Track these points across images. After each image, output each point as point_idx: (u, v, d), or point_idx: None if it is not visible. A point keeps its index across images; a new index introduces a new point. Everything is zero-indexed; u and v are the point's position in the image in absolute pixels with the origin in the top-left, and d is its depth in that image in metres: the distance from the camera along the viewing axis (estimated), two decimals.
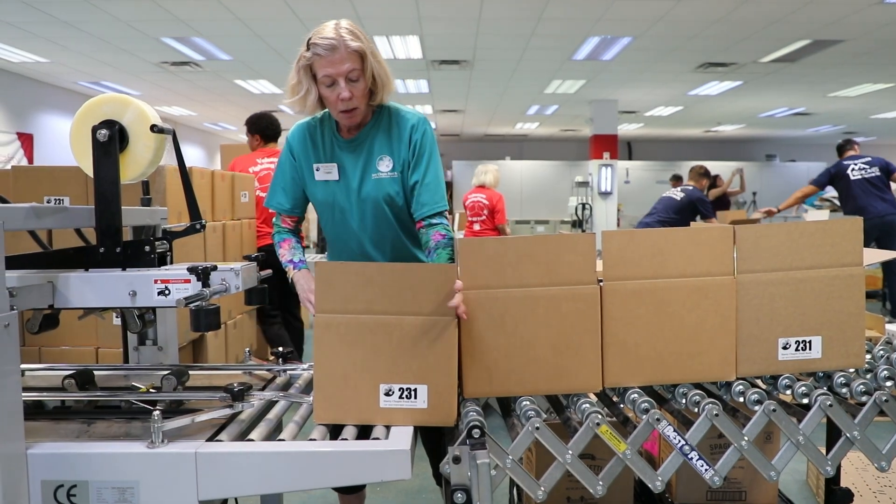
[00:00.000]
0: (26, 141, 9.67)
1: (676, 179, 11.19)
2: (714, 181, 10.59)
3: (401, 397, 1.45)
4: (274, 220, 2.04)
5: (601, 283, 1.51)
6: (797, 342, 1.54)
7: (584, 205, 12.13)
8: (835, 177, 6.02)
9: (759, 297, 1.53)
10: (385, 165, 1.87)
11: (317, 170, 1.91)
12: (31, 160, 9.61)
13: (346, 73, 1.73)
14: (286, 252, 1.96)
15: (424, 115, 1.93)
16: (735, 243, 1.53)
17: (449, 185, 15.63)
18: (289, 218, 2.00)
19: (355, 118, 1.82)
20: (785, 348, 1.54)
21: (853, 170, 5.92)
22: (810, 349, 1.54)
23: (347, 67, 1.72)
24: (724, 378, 1.54)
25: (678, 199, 6.33)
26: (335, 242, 1.99)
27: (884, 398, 1.47)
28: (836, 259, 1.54)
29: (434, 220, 1.88)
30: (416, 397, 1.45)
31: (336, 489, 2.11)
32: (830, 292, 1.54)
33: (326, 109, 1.89)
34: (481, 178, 6.12)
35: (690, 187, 6.43)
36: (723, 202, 10.39)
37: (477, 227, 6.05)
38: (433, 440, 1.98)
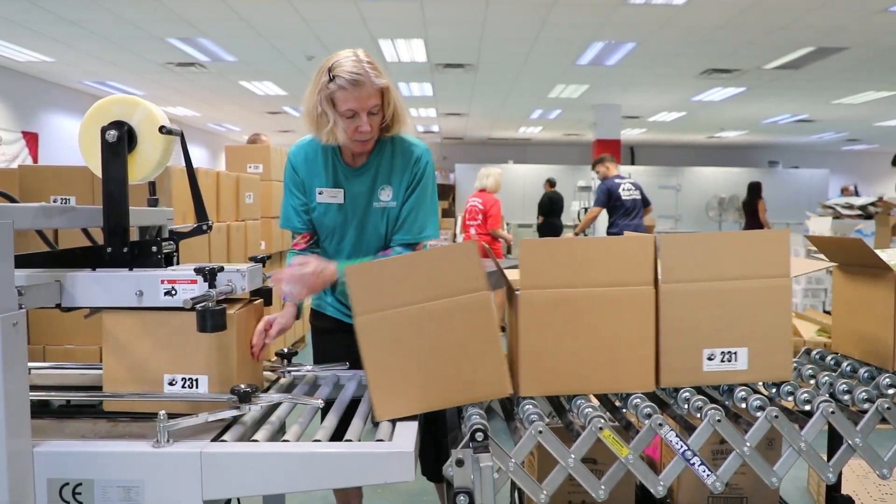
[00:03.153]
0: (31, 140, 9.70)
1: (551, 184, 11.28)
2: (761, 191, 10.55)
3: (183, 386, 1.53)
4: (293, 243, 2.05)
5: (517, 292, 1.50)
6: (722, 353, 1.51)
7: (586, 209, 12.14)
8: None
9: (682, 307, 1.50)
10: (386, 195, 1.91)
11: (319, 193, 1.93)
12: (35, 159, 9.64)
13: (369, 108, 1.75)
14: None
15: (427, 146, 1.97)
16: (659, 253, 1.51)
17: (451, 189, 15.63)
18: (302, 238, 2.02)
19: (368, 146, 1.87)
20: (710, 359, 1.51)
21: None
22: (736, 361, 1.52)
23: (372, 103, 1.75)
24: (642, 389, 1.52)
25: (639, 197, 6.43)
26: (332, 257, 2.00)
27: (886, 406, 1.48)
28: (762, 270, 1.51)
29: (398, 248, 1.91)
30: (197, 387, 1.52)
31: None
32: (757, 303, 1.51)
33: None
34: (482, 182, 6.19)
35: (631, 178, 6.54)
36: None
37: (472, 231, 6.12)
38: (428, 441, 1.98)
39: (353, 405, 1.65)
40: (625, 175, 6.53)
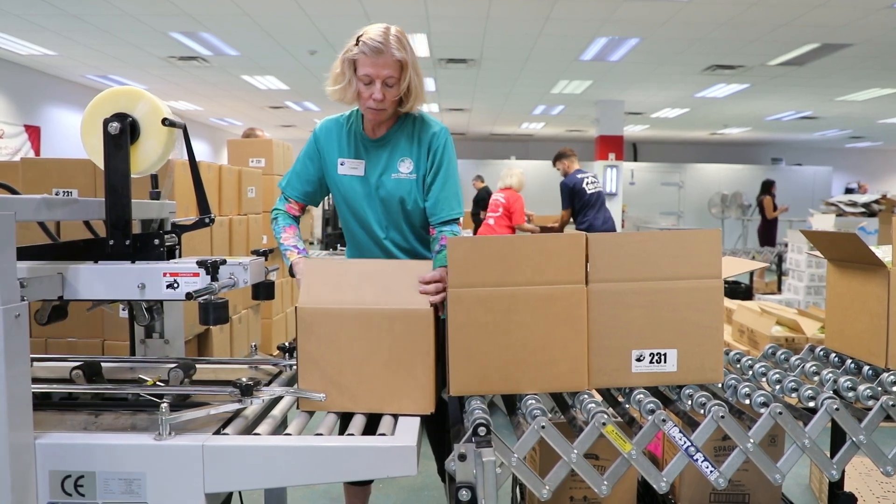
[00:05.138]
0: (33, 133, 9.70)
1: (481, 180, 11.23)
2: (770, 188, 10.60)
3: None
4: (277, 205, 2.08)
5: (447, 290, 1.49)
6: (651, 354, 1.50)
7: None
8: None
9: (612, 307, 1.48)
10: (405, 167, 1.96)
11: (341, 164, 1.98)
12: (37, 152, 9.64)
13: (384, 77, 1.81)
14: (290, 237, 2.01)
15: (446, 126, 2.03)
16: (588, 252, 1.49)
17: None
18: (296, 205, 2.07)
19: (381, 116, 1.91)
20: (639, 360, 1.50)
21: None
22: (665, 362, 1.50)
23: (387, 73, 1.81)
24: (576, 388, 1.51)
25: (602, 188, 6.40)
26: (354, 235, 2.06)
27: (890, 403, 1.47)
28: (693, 271, 1.49)
29: (444, 227, 1.97)
30: None
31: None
32: (687, 304, 1.49)
33: (355, 108, 1.98)
34: (507, 181, 6.37)
35: (592, 173, 6.46)
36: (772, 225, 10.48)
37: (491, 221, 6.28)
38: (438, 436, 1.98)
39: None
40: (585, 169, 6.44)
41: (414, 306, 1.51)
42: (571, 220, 6.45)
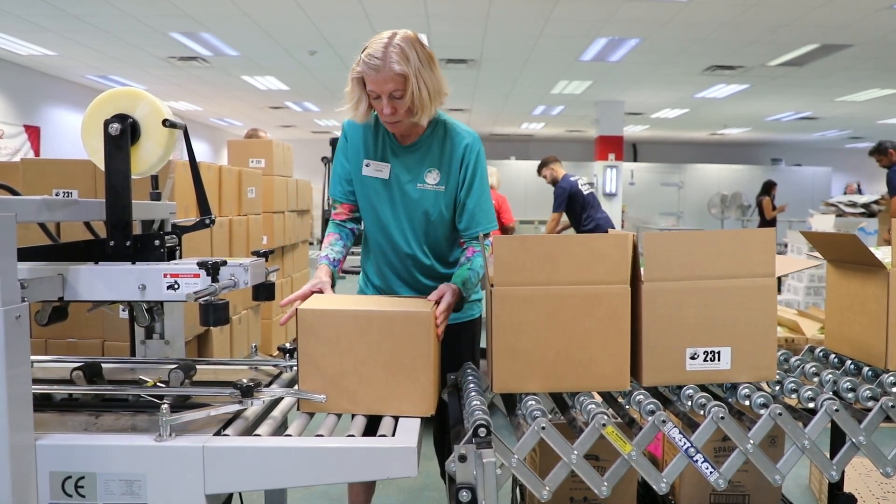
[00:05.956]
0: (33, 133, 9.70)
1: None
2: (770, 189, 10.64)
3: None
4: (333, 213, 2.06)
5: (492, 288, 1.50)
6: (705, 353, 1.51)
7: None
8: None
9: (666, 305, 1.49)
10: (432, 178, 1.90)
11: (366, 165, 1.94)
12: (37, 153, 9.65)
13: (388, 92, 1.74)
14: (325, 245, 1.98)
15: (477, 134, 1.96)
16: (643, 251, 1.50)
17: None
18: (343, 208, 2.02)
19: (399, 128, 1.86)
20: (693, 358, 1.51)
21: None
22: (719, 360, 1.51)
23: (390, 87, 1.74)
24: (617, 388, 1.52)
25: (593, 190, 6.38)
26: (372, 237, 2.02)
27: (890, 404, 1.47)
28: (747, 269, 1.50)
29: (476, 241, 1.93)
30: None
31: None
32: (741, 303, 1.50)
33: None
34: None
35: (579, 176, 6.45)
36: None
37: None
38: (441, 437, 1.98)
39: None
40: (573, 173, 6.44)
41: (414, 309, 1.52)
42: (570, 223, 6.43)
